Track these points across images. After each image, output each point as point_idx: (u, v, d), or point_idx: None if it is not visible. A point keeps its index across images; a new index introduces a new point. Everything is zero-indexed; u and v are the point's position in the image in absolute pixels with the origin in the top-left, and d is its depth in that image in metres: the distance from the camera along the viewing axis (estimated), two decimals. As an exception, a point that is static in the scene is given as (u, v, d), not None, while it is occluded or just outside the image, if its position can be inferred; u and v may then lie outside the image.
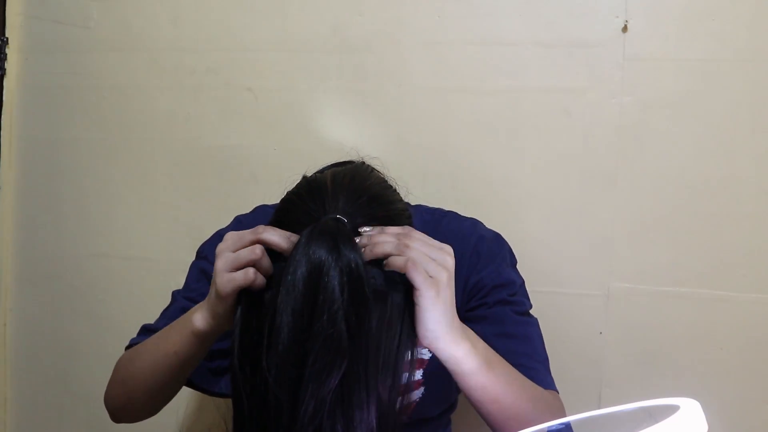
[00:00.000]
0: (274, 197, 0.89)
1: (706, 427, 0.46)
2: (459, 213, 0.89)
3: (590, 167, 1.09)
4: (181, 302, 0.84)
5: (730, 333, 1.06)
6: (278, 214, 0.65)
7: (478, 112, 1.12)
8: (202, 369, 0.81)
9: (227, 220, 0.89)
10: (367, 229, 0.60)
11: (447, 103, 1.13)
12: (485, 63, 1.12)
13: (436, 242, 0.62)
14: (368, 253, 0.58)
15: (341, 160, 0.78)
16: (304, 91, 1.19)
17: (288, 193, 0.66)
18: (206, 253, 0.86)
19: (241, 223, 0.87)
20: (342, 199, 0.62)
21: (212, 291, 0.63)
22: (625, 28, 1.07)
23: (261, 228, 0.61)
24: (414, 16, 1.14)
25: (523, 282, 0.84)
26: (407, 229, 0.61)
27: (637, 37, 1.07)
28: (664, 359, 1.09)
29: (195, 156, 1.23)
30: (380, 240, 0.59)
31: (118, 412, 0.81)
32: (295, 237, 0.59)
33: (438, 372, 0.79)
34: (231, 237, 0.62)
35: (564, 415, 0.73)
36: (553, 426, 0.56)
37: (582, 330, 1.10)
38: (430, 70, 1.14)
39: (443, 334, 0.61)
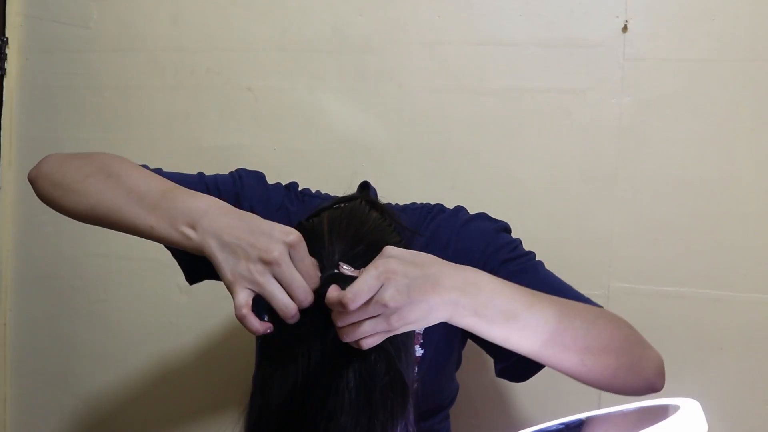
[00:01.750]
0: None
1: (706, 427, 0.46)
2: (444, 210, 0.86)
3: (590, 167, 1.09)
4: (205, 178, 0.81)
5: (730, 333, 1.06)
6: None
7: (478, 112, 1.12)
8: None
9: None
10: (344, 267, 0.58)
11: (447, 103, 1.13)
12: (485, 63, 1.12)
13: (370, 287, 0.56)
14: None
15: (338, 197, 0.75)
16: (304, 91, 1.19)
17: None
18: (242, 176, 0.84)
19: (281, 190, 0.85)
20: (339, 249, 0.60)
21: (245, 246, 0.58)
22: (625, 28, 1.07)
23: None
24: (414, 16, 1.14)
25: (519, 241, 0.81)
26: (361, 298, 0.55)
27: (637, 37, 1.07)
28: (664, 359, 1.09)
29: (195, 156, 1.23)
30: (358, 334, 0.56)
31: (47, 187, 0.76)
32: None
33: (430, 366, 0.79)
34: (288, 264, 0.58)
35: (629, 325, 0.72)
36: (553, 426, 0.56)
37: (582, 330, 1.10)
38: (430, 70, 1.14)
39: (450, 313, 0.58)
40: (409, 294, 0.56)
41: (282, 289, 0.57)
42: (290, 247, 0.57)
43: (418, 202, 0.88)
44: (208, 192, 0.78)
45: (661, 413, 0.48)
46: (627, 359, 0.69)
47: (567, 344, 0.64)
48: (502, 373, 0.78)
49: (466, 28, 1.12)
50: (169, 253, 0.81)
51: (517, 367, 0.75)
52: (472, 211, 0.85)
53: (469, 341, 0.84)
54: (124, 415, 1.30)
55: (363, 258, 0.59)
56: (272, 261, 0.56)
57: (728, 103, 1.05)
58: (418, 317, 0.56)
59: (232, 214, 0.62)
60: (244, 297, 0.57)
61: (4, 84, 1.30)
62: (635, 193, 1.08)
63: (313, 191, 0.87)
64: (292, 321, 0.57)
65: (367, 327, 0.55)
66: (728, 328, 1.06)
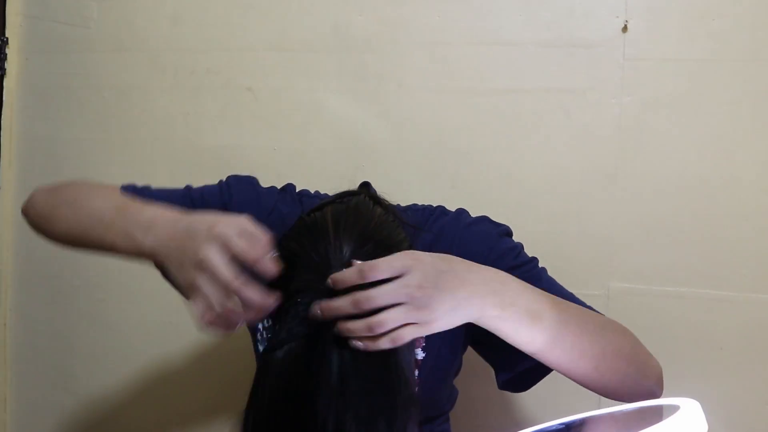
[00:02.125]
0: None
1: (706, 427, 0.46)
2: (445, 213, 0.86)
3: (590, 167, 1.09)
4: (191, 192, 0.80)
5: (730, 333, 1.06)
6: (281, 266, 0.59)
7: (478, 112, 1.12)
8: None
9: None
10: (356, 263, 0.55)
11: (447, 103, 1.13)
12: (485, 63, 1.12)
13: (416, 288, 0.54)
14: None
15: (340, 191, 0.72)
16: (304, 91, 1.19)
17: (287, 239, 0.61)
18: (231, 184, 0.82)
19: (274, 193, 0.82)
20: (346, 247, 0.57)
21: (181, 248, 0.56)
22: (625, 28, 1.07)
23: (243, 287, 0.54)
24: (414, 16, 1.14)
25: (521, 246, 0.81)
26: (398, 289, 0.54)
27: (637, 37, 1.07)
28: (664, 359, 1.08)
29: (195, 156, 1.23)
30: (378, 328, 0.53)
31: (39, 221, 0.77)
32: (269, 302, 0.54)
33: (431, 371, 0.79)
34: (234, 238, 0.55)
35: (631, 333, 0.72)
36: (553, 426, 0.56)
37: (582, 330, 1.10)
38: (430, 70, 1.14)
39: (480, 314, 0.57)
40: (436, 283, 0.54)
41: (216, 295, 0.54)
42: (220, 240, 0.55)
43: (419, 203, 0.88)
44: (194, 206, 0.77)
45: (661, 413, 0.48)
46: (635, 367, 0.69)
47: (585, 349, 0.64)
48: (505, 385, 0.77)
49: (466, 28, 1.12)
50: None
51: (521, 377, 0.75)
52: (473, 213, 0.85)
53: (470, 349, 0.84)
54: (124, 415, 1.30)
55: (372, 257, 0.56)
56: (199, 265, 0.54)
57: (728, 103, 1.05)
58: (447, 310, 0.55)
59: (178, 221, 0.60)
60: (198, 308, 0.54)
61: (4, 84, 1.30)
62: (635, 193, 1.08)
63: (312, 191, 0.86)
64: (233, 328, 0.54)
65: (395, 314, 0.53)
66: (728, 328, 1.06)
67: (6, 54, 1.29)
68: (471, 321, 0.58)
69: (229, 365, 1.23)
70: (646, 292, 1.08)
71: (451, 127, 1.13)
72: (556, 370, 0.68)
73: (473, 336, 0.78)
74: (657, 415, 0.49)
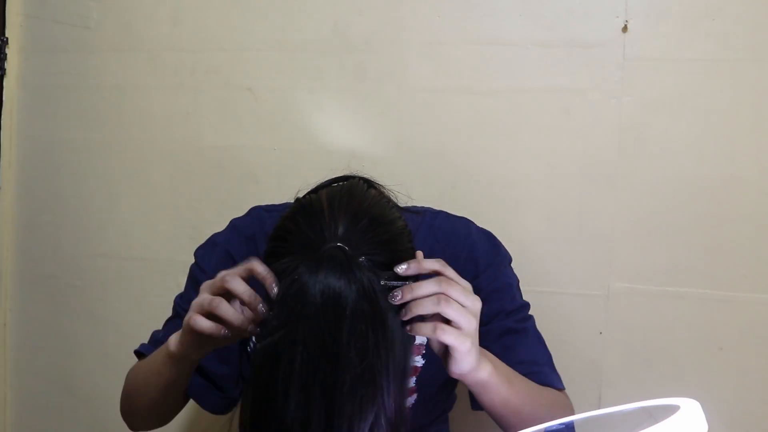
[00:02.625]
0: (274, 197, 0.89)
1: (706, 427, 0.46)
2: (451, 213, 0.88)
3: (590, 167, 1.09)
4: (181, 313, 0.83)
5: (730, 333, 1.06)
6: (274, 243, 0.61)
7: (478, 112, 1.12)
8: (202, 388, 0.83)
9: (227, 220, 0.89)
10: (403, 267, 0.59)
11: (447, 103, 1.13)
12: (485, 63, 1.12)
13: (466, 284, 0.61)
14: (404, 314, 0.58)
15: (335, 176, 0.74)
16: (304, 91, 1.19)
17: (282, 219, 0.63)
18: (199, 260, 0.85)
19: (236, 227, 0.85)
20: (341, 224, 0.59)
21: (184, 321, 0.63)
22: (625, 28, 1.07)
23: (227, 276, 0.60)
24: (414, 16, 1.14)
25: (518, 281, 0.85)
26: (442, 280, 0.59)
27: (637, 37, 1.07)
28: (664, 359, 1.09)
29: (195, 156, 1.23)
30: (418, 299, 0.58)
31: (131, 422, 0.84)
32: (271, 281, 0.58)
33: (430, 379, 0.79)
34: (210, 283, 0.62)
35: (573, 411, 0.76)
36: (553, 426, 0.56)
37: (582, 330, 1.10)
38: (430, 70, 1.14)
39: (472, 368, 0.62)
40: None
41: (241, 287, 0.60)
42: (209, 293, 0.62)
43: (419, 203, 0.88)
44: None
45: (661, 413, 0.48)
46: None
47: (524, 416, 0.69)
48: (474, 403, 0.80)
49: (466, 28, 1.12)
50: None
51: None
52: (473, 213, 0.86)
53: None
54: (124, 415, 1.30)
55: (367, 233, 0.59)
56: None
57: (728, 103, 1.05)
58: (470, 349, 0.60)
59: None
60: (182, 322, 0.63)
61: (4, 84, 1.30)
62: (635, 193, 1.08)
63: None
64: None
65: (429, 304, 0.58)
66: (728, 328, 1.06)
67: (6, 54, 1.29)
68: (464, 373, 0.62)
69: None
70: (646, 292, 1.08)
71: (451, 126, 1.13)
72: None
73: None
74: (657, 414, 0.49)
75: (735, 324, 1.06)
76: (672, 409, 0.47)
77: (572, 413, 0.75)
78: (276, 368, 0.56)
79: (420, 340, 0.77)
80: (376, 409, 0.56)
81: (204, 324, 0.60)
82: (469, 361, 0.61)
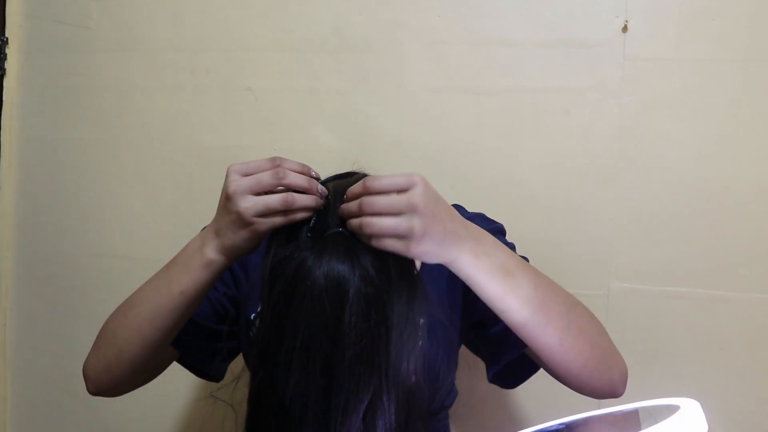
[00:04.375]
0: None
1: (706, 427, 0.46)
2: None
3: (590, 167, 1.09)
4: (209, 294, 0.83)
5: (730, 333, 1.06)
6: (281, 229, 0.64)
7: (478, 112, 1.12)
8: (198, 349, 0.81)
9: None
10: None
11: (447, 103, 1.13)
12: (485, 63, 1.12)
13: (390, 187, 0.59)
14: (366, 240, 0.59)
15: (342, 172, 0.78)
16: (304, 91, 1.19)
17: None
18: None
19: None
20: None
21: (227, 218, 0.63)
22: (625, 28, 1.07)
23: (281, 172, 0.62)
24: (414, 16, 1.14)
25: (513, 244, 0.83)
26: (362, 202, 0.59)
27: (637, 37, 1.07)
28: (664, 359, 1.09)
29: (195, 156, 1.23)
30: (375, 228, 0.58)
31: (101, 376, 0.76)
32: (315, 183, 0.62)
33: (429, 362, 0.80)
34: (241, 166, 0.64)
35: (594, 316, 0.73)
36: (553, 426, 0.56)
37: (582, 330, 1.10)
38: (430, 70, 1.14)
39: (434, 254, 0.60)
40: (434, 210, 0.58)
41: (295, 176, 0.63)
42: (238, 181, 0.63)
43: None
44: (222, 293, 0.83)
45: (661, 413, 0.48)
46: (599, 351, 0.69)
47: (552, 317, 0.65)
48: (494, 378, 0.80)
49: (466, 28, 1.12)
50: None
51: (508, 371, 0.77)
52: (470, 209, 0.86)
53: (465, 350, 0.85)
54: (124, 416, 1.30)
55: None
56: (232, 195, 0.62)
57: (728, 103, 1.05)
58: (435, 239, 0.58)
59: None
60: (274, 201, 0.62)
61: (4, 84, 1.30)
62: (635, 193, 1.08)
63: None
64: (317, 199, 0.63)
65: (388, 221, 0.57)
66: (728, 328, 1.06)
67: (6, 54, 1.29)
68: (446, 263, 0.60)
69: (230, 364, 1.23)
70: (646, 292, 1.08)
71: (451, 127, 1.13)
72: (523, 338, 0.68)
73: (465, 330, 0.81)
74: (657, 415, 0.49)
75: (735, 324, 1.06)
76: (672, 409, 0.47)
77: (602, 325, 0.72)
78: (278, 347, 0.58)
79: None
80: (374, 387, 0.57)
81: (279, 220, 0.61)
82: (428, 237, 0.58)
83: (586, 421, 0.57)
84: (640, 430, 0.43)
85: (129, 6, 1.25)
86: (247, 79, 1.20)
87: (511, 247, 0.82)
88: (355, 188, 0.60)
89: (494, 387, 0.85)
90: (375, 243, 0.58)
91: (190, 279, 0.68)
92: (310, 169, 0.64)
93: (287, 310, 0.58)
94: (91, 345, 1.34)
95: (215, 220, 0.66)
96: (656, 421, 0.45)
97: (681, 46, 1.06)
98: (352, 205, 0.60)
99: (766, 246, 1.05)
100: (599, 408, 0.58)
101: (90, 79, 1.27)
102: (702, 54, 1.05)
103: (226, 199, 0.63)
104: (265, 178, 0.62)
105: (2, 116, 1.30)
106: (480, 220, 0.84)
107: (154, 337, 0.71)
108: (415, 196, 0.58)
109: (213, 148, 1.23)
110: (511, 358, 0.76)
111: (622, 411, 0.57)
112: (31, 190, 1.32)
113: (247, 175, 0.63)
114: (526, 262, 0.68)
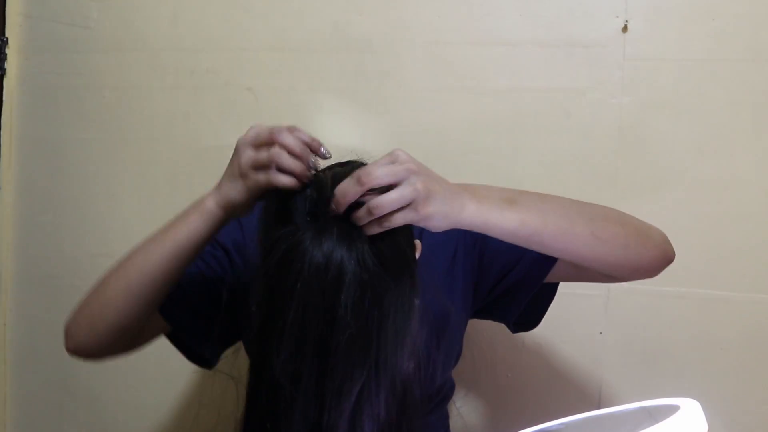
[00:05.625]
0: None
1: (706, 427, 0.46)
2: None
3: (590, 167, 1.09)
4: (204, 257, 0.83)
5: (730, 333, 1.06)
6: (279, 212, 0.64)
7: (478, 112, 1.12)
8: (188, 324, 0.80)
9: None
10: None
11: (447, 103, 1.13)
12: (485, 63, 1.12)
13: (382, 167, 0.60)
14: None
15: (343, 161, 0.78)
16: (304, 91, 1.19)
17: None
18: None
19: (239, 222, 0.87)
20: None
21: (228, 170, 0.65)
22: (625, 28, 1.07)
23: (276, 131, 0.63)
24: (414, 16, 1.14)
25: None
26: (359, 176, 0.59)
27: (637, 37, 1.07)
28: (664, 359, 1.09)
29: (195, 156, 1.23)
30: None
31: (82, 332, 0.75)
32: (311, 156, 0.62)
33: (426, 345, 0.80)
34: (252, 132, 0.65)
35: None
36: (553, 426, 0.56)
37: (582, 330, 1.10)
38: (430, 70, 1.14)
39: (445, 218, 0.60)
40: (425, 168, 0.60)
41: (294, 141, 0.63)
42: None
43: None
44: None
45: (661, 413, 0.48)
46: (631, 228, 0.71)
47: (572, 218, 0.67)
48: (517, 325, 0.82)
49: (466, 28, 1.12)
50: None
51: (530, 310, 0.80)
52: None
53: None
54: (124, 416, 1.30)
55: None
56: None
57: (728, 103, 1.05)
58: (439, 193, 0.59)
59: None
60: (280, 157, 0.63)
61: (4, 84, 1.30)
62: (635, 193, 1.08)
63: None
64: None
65: (393, 194, 0.57)
66: (728, 328, 1.06)
67: (6, 54, 1.29)
68: (454, 221, 0.61)
69: (229, 365, 1.23)
70: (646, 292, 1.08)
71: (451, 127, 1.13)
72: (557, 253, 0.69)
73: (476, 303, 0.82)
74: (657, 414, 0.49)
75: (735, 324, 1.06)
76: (672, 409, 0.47)
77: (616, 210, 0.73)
78: (272, 324, 0.58)
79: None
80: (367, 372, 0.57)
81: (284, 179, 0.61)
82: (435, 210, 0.59)
83: (586, 421, 0.57)
84: (640, 430, 0.43)
85: (129, 6, 1.25)
86: (247, 79, 1.21)
87: None
88: (346, 189, 0.60)
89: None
90: (387, 224, 0.58)
91: (184, 226, 0.68)
92: (321, 145, 0.64)
93: (280, 285, 0.58)
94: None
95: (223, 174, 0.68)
96: (656, 421, 0.45)
97: (681, 46, 1.06)
98: (349, 188, 0.59)
99: (766, 246, 1.05)
100: (599, 408, 0.58)
101: (90, 79, 1.27)
102: (702, 54, 1.05)
103: (234, 151, 0.65)
104: (264, 133, 0.63)
105: (2, 116, 1.30)
106: None
107: (140, 288, 0.70)
108: (404, 161, 0.59)
109: (213, 148, 1.23)
110: (532, 295, 0.78)
111: (622, 411, 0.57)
112: (31, 190, 1.32)
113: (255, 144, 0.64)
114: (520, 190, 0.69)
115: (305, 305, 0.57)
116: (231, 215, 0.68)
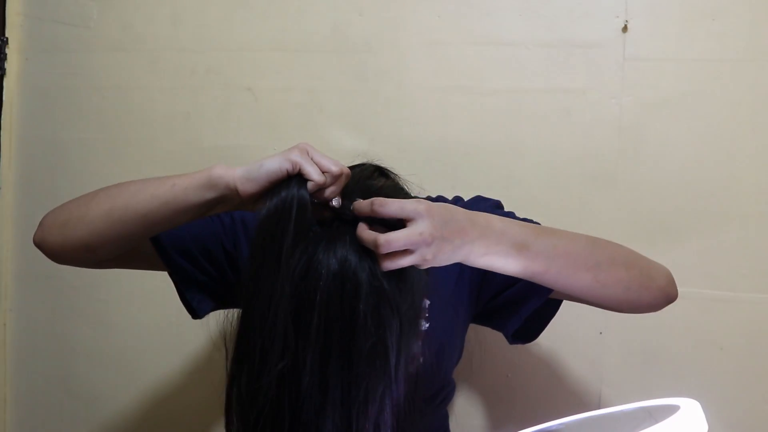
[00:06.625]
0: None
1: (706, 427, 0.46)
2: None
3: (590, 167, 1.09)
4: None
5: (730, 333, 1.06)
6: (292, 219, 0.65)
7: (478, 112, 1.12)
8: (185, 275, 0.82)
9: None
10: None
11: (447, 103, 1.13)
12: (485, 63, 1.12)
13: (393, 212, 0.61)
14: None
15: (354, 163, 0.79)
16: (304, 91, 1.19)
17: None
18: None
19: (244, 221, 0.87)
20: (347, 200, 0.65)
21: (268, 157, 0.67)
22: (625, 28, 1.07)
23: (300, 160, 0.65)
24: (414, 16, 1.14)
25: (513, 213, 0.86)
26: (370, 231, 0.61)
27: (637, 37, 1.07)
28: (664, 359, 1.09)
29: (195, 156, 1.23)
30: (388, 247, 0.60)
31: (54, 228, 0.75)
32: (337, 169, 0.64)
33: (432, 344, 0.80)
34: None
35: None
36: (553, 426, 0.56)
37: (582, 330, 1.10)
38: (430, 70, 1.14)
39: (448, 258, 0.62)
40: (443, 234, 0.61)
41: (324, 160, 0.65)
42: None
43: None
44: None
45: (661, 413, 0.48)
46: (636, 271, 0.73)
47: (579, 263, 0.69)
48: (515, 337, 0.82)
49: (466, 28, 1.12)
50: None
51: (529, 324, 0.80)
52: None
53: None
54: (124, 416, 1.30)
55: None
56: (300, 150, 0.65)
57: (728, 103, 1.05)
58: (445, 255, 0.61)
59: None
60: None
61: (4, 84, 1.30)
62: (635, 193, 1.08)
63: None
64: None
65: (404, 260, 0.60)
66: (728, 328, 1.06)
67: (6, 54, 1.29)
68: (461, 260, 0.64)
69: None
70: (646, 292, 1.08)
71: (451, 127, 1.13)
72: (560, 292, 0.72)
73: (477, 308, 0.83)
74: (657, 414, 0.49)
75: (735, 324, 1.06)
76: (672, 409, 0.47)
77: (628, 248, 0.75)
78: (295, 332, 0.59)
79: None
80: (386, 379, 0.59)
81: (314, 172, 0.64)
82: (440, 257, 0.61)
83: (586, 421, 0.57)
84: (640, 430, 0.43)
85: (129, 6, 1.25)
86: (247, 79, 1.21)
87: (511, 215, 0.84)
88: (361, 207, 0.62)
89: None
90: (390, 264, 0.60)
91: (186, 180, 0.69)
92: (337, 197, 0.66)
93: (302, 296, 0.59)
94: (90, 345, 1.35)
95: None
96: (656, 421, 0.45)
97: (681, 46, 1.06)
98: (364, 209, 0.62)
99: (766, 246, 1.05)
100: (599, 408, 0.58)
101: (90, 79, 1.27)
102: (702, 54, 1.05)
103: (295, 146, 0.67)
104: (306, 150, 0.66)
105: (2, 116, 1.30)
106: (477, 203, 0.88)
107: (121, 218, 0.70)
108: (424, 232, 0.60)
109: (213, 148, 1.23)
110: (531, 310, 0.78)
111: (622, 411, 0.57)
112: (31, 190, 1.32)
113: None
114: (536, 226, 0.71)
115: (327, 312, 0.58)
116: (231, 196, 0.69)
